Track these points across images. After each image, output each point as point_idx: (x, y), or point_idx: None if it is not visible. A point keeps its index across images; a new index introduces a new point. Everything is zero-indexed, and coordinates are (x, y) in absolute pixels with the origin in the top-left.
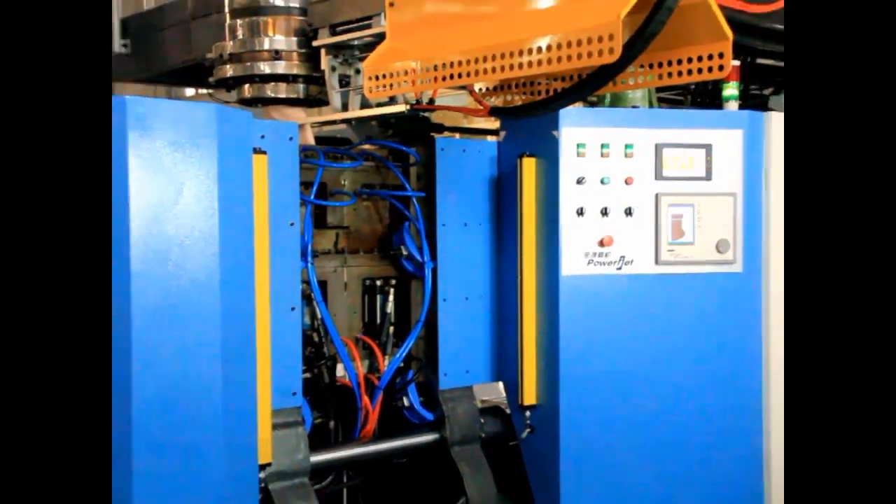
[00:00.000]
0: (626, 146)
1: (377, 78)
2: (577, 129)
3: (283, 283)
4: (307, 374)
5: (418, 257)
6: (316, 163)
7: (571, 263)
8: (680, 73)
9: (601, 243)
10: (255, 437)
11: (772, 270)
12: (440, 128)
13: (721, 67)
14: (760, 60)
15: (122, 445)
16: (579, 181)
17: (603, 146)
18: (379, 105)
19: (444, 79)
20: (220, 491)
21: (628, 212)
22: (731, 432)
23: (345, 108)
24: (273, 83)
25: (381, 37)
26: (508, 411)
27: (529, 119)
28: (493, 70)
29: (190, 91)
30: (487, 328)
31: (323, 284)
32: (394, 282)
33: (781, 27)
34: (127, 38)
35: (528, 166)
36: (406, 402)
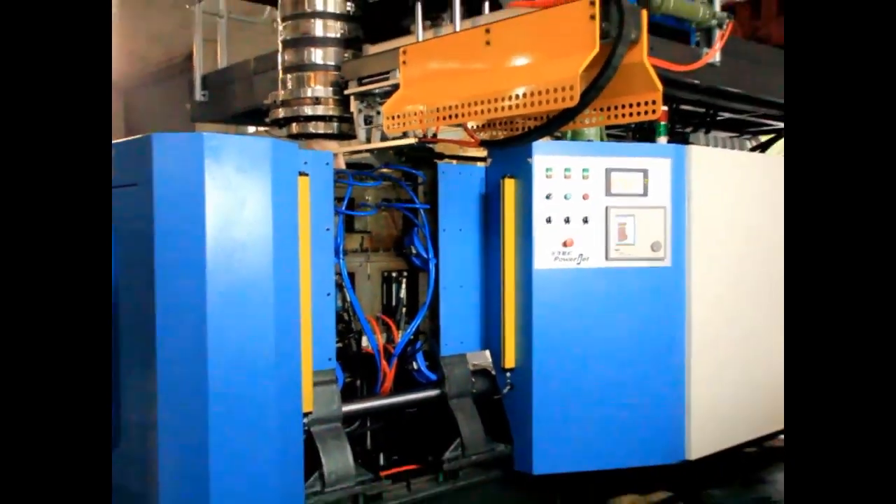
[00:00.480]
0: (584, 170)
1: (393, 118)
2: (546, 157)
3: (321, 275)
4: (339, 344)
5: (424, 255)
6: (346, 182)
7: (542, 259)
8: (623, 115)
9: (564, 244)
10: (300, 391)
11: (693, 264)
12: (441, 155)
13: (654, 111)
14: (683, 106)
15: (201, 397)
16: (547, 197)
17: (566, 170)
18: (394, 138)
19: (444, 118)
20: (275, 432)
21: (585, 220)
22: (661, 384)
23: (368, 140)
24: (314, 122)
25: (396, 87)
26: (493, 373)
27: (510, 149)
28: (482, 112)
29: (251, 129)
30: (477, 309)
31: (351, 275)
32: (406, 274)
33: (698, 82)
34: (206, 89)
35: (509, 185)
36: (415, 366)
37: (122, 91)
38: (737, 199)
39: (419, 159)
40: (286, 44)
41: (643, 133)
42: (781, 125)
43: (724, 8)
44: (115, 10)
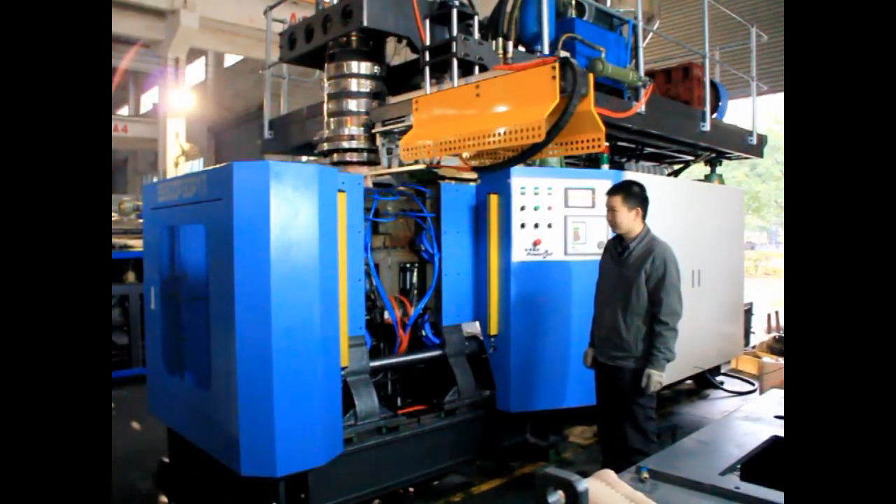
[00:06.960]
0: (549, 188)
1: (408, 149)
2: (521, 178)
3: (353, 265)
4: (368, 317)
5: (431, 251)
6: (373, 197)
7: (518, 254)
8: (577, 148)
9: (534, 243)
10: (339, 350)
11: None
12: (443, 177)
13: (599, 146)
14: (620, 143)
15: (267, 352)
16: (522, 208)
17: (535, 188)
18: (409, 164)
19: (445, 150)
20: (320, 381)
21: (549, 226)
22: None
23: (389, 166)
24: (350, 153)
25: (410, 127)
26: (481, 338)
27: (494, 173)
28: (473, 145)
29: (304, 158)
30: (470, 290)
31: (377, 266)
32: (417, 264)
33: (631, 125)
34: (272, 130)
35: (493, 200)
36: (423, 333)
37: (214, 132)
38: (656, 209)
39: (427, 180)
40: (330, 96)
41: (591, 161)
42: (689, 157)
43: (646, 74)
44: (210, 75)
